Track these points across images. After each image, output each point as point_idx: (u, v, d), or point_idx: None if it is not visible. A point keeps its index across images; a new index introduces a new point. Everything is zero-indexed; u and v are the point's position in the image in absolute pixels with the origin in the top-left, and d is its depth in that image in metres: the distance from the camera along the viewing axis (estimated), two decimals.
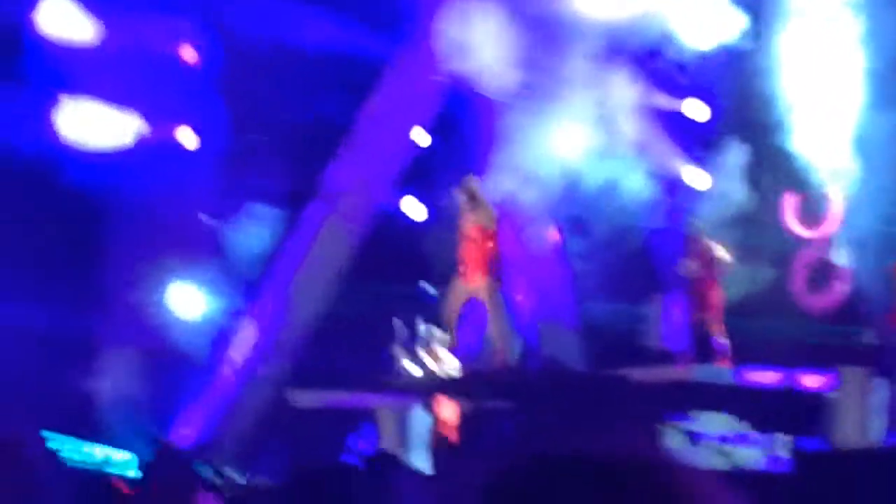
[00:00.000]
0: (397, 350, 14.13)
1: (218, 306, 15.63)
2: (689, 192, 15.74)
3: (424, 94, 15.16)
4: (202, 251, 15.44)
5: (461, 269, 13.51)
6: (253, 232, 15.39)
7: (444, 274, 14.21)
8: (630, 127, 15.41)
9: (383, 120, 15.21)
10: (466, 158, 14.89)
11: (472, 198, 13.65)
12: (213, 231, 15.57)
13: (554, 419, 12.64)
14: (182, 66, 15.59)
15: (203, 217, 15.65)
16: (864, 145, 15.13)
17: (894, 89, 14.42)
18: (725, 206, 15.12)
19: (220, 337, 15.48)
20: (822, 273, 15.16)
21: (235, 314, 15.51)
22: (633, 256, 14.81)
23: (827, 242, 15.23)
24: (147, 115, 15.02)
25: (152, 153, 15.44)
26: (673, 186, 15.71)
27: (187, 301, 15.57)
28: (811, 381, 13.24)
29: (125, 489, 6.52)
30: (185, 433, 14.13)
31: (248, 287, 15.57)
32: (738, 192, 15.35)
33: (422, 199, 15.80)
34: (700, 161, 15.97)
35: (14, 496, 4.17)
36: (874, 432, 12.80)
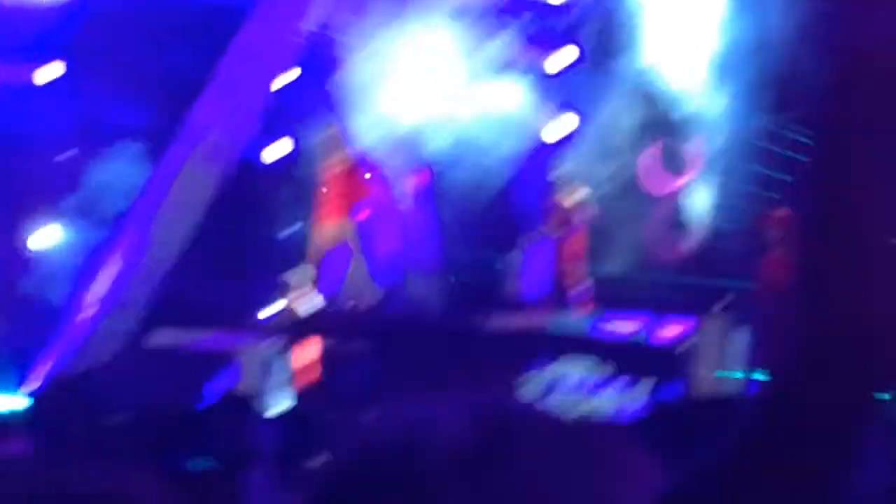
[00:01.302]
0: (259, 291, 14.46)
1: (77, 243, 15.51)
2: (554, 140, 15.89)
3: (285, 41, 15.28)
4: (61, 187, 15.30)
5: (324, 211, 13.62)
6: (114, 169, 15.30)
7: (309, 216, 14.35)
8: (493, 77, 15.49)
9: (245, 64, 15.28)
10: (329, 104, 15.03)
11: (335, 141, 13.81)
12: (73, 167, 15.40)
13: (413, 364, 12.69)
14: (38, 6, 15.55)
15: (63, 154, 15.51)
16: (726, 93, 15.40)
17: (762, 36, 14.73)
18: (589, 154, 15.38)
19: (79, 274, 15.29)
20: (682, 222, 15.35)
21: (94, 251, 15.24)
22: (495, 204, 14.91)
23: (688, 191, 15.44)
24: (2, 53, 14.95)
25: (5, 90, 15.34)
26: (537, 135, 15.90)
27: (45, 238, 15.49)
28: (671, 329, 13.41)
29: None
30: (42, 372, 13.96)
31: (108, 224, 15.40)
32: (601, 140, 15.57)
33: (285, 143, 16.01)
34: (563, 109, 16.13)
35: None
36: (732, 381, 13.04)
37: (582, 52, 16.32)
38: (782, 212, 13.33)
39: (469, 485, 1.44)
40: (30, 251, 15.63)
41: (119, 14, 15.28)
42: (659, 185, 15.42)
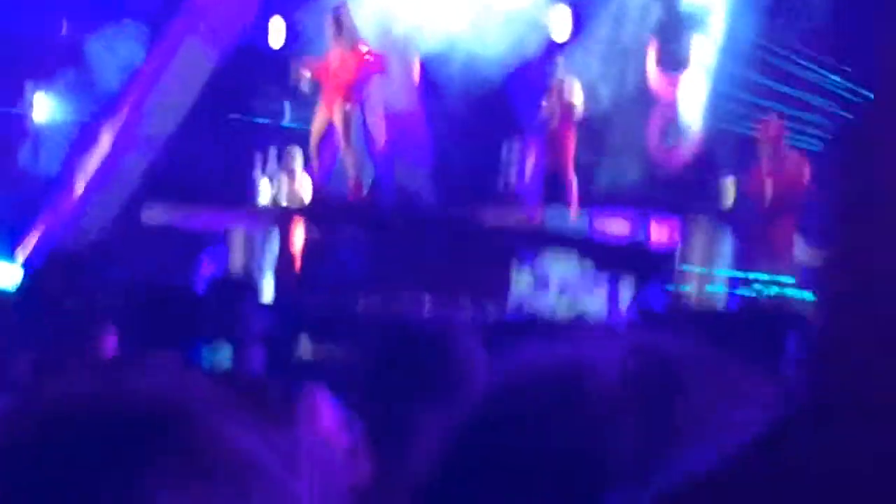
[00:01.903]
0: (254, 173, 14.49)
1: (73, 116, 15.54)
2: (552, 36, 15.68)
3: None
4: (60, 60, 15.35)
5: (322, 95, 13.55)
6: (113, 44, 15.24)
7: (309, 100, 14.28)
8: None
9: None
10: None
11: (339, 24, 13.56)
12: (72, 41, 15.36)
13: (401, 253, 13.02)
14: None
15: (63, 27, 15.49)
16: None
17: None
18: (587, 52, 15.33)
19: (74, 147, 15.36)
20: (677, 124, 15.34)
21: (90, 125, 15.34)
22: (491, 98, 14.83)
23: (685, 92, 15.40)
24: None
25: None
26: (536, 29, 15.67)
27: (42, 108, 15.52)
28: (659, 229, 13.52)
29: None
30: (35, 244, 14.10)
31: (105, 99, 15.37)
32: (598, 38, 15.42)
33: (285, 24, 15.65)
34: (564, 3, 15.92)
35: None
36: (718, 283, 13.23)
37: None
38: (775, 119, 13.42)
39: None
40: (27, 122, 15.72)
41: None
42: (655, 83, 15.43)
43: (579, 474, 0.83)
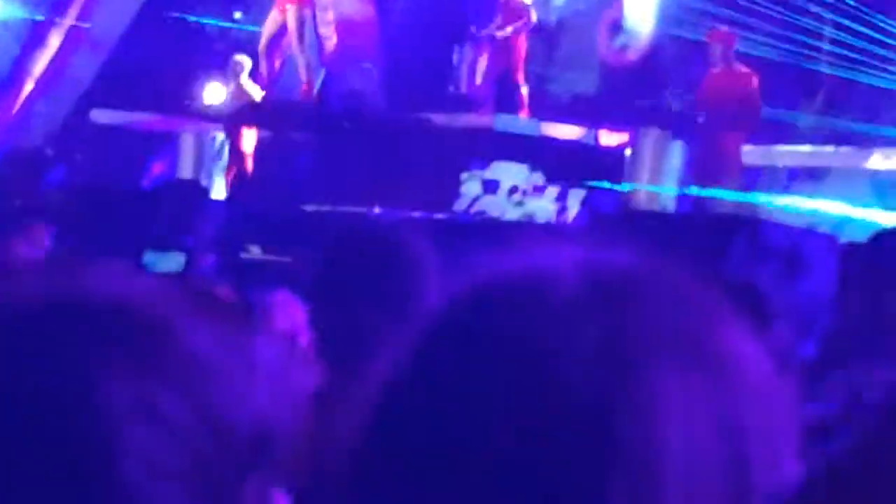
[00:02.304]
0: (204, 77, 14.50)
1: (21, 15, 15.26)
2: None
3: None
4: None
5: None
6: None
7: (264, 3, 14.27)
8: None
9: None
10: None
11: None
12: None
13: (350, 155, 13.13)
14: None
15: None
16: None
17: None
18: None
19: (22, 49, 15.22)
20: (626, 28, 15.42)
21: (38, 27, 15.13)
22: (443, 2, 14.95)
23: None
24: None
25: None
26: None
27: None
28: (609, 137, 13.60)
29: None
30: None
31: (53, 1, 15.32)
32: None
33: None
34: None
35: None
36: (667, 193, 13.34)
37: None
38: (725, 29, 13.50)
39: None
40: None
41: None
42: None
43: (536, 385, 0.81)
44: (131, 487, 0.81)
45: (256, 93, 13.83)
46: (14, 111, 14.61)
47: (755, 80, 12.63)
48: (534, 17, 14.03)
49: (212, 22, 15.79)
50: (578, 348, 0.83)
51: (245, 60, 14.01)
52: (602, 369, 0.83)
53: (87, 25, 14.82)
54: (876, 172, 13.43)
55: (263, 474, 0.88)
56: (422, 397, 0.87)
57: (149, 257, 9.65)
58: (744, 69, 12.90)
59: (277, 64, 14.37)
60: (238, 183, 13.37)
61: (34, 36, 15.11)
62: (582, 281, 0.86)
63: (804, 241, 8.81)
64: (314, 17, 13.83)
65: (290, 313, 3.02)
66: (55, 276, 0.97)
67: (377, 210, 11.98)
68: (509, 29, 13.88)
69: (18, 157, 13.44)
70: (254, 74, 14.11)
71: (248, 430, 0.90)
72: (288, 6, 13.16)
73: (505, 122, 13.76)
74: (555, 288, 0.84)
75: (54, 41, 14.93)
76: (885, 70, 14.46)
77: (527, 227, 12.35)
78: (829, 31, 14.92)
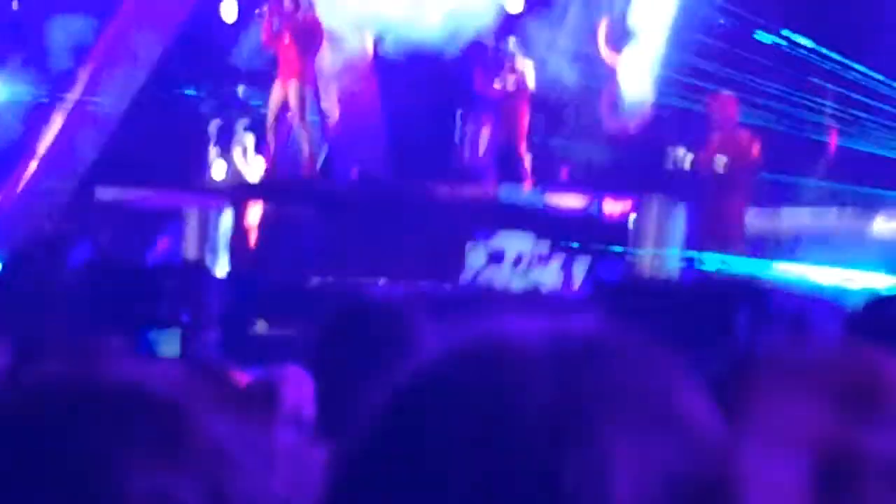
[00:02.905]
0: (210, 151, 14.76)
1: (25, 94, 15.58)
2: (505, 8, 15.94)
3: None
4: (12, 40, 15.49)
5: (278, 72, 13.85)
6: (66, 24, 15.34)
7: (266, 78, 14.65)
8: None
9: None
10: None
11: (296, 2, 13.89)
12: (20, 19, 15.56)
13: (355, 229, 13.27)
14: None
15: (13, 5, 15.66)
16: None
17: None
18: (540, 26, 15.50)
19: (27, 126, 15.46)
20: (628, 98, 15.71)
21: (43, 104, 15.45)
22: (444, 73, 15.12)
23: (636, 67, 15.74)
24: None
25: None
26: (489, 5, 15.84)
27: None
28: (613, 205, 13.59)
29: None
30: None
31: (58, 77, 15.48)
32: (550, 15, 15.64)
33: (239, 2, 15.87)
34: None
35: None
36: (671, 258, 13.35)
37: None
38: (726, 95, 13.72)
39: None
40: None
41: None
42: (606, 58, 15.78)
43: (496, 438, 0.87)
44: None
45: (261, 168, 14.16)
46: (18, 190, 14.79)
47: (757, 145, 12.89)
48: (534, 84, 14.34)
49: (216, 98, 16.03)
50: (539, 406, 0.88)
51: (249, 136, 14.34)
52: (558, 426, 0.87)
53: (90, 102, 15.23)
54: (880, 236, 13.70)
55: None
56: (395, 447, 0.91)
57: (152, 335, 9.89)
58: (745, 133, 13.19)
59: (282, 139, 14.41)
60: (242, 257, 13.55)
61: (37, 115, 15.39)
62: (549, 347, 0.91)
63: (808, 307, 8.87)
64: (316, 92, 14.10)
65: (301, 389, 3.03)
66: (73, 362, 0.97)
67: (382, 282, 12.10)
68: (510, 97, 14.18)
69: (37, 241, 13.52)
70: (259, 149, 14.39)
71: None
72: (290, 82, 13.41)
73: (509, 193, 13.91)
74: (522, 352, 0.90)
75: (57, 120, 15.22)
76: (888, 135, 14.83)
77: (523, 297, 11.92)
78: (831, 95, 15.23)
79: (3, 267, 10.67)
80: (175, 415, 0.92)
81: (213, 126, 15.38)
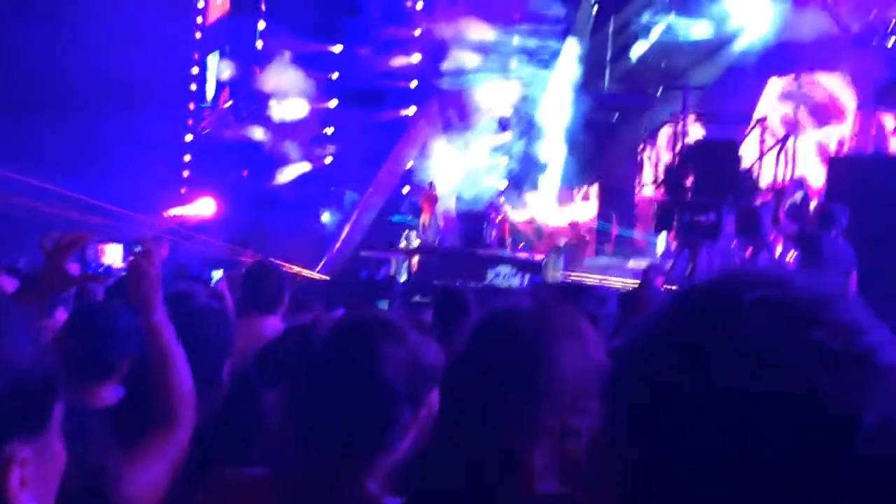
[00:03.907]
0: (402, 239, 26.70)
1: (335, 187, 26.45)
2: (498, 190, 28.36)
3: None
4: (319, 217, 27.32)
5: (422, 210, 26.27)
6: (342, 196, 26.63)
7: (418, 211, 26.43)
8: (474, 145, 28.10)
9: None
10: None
11: (432, 189, 26.52)
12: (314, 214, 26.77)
13: (448, 265, 22.43)
14: None
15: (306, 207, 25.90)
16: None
17: None
18: (509, 191, 28.12)
19: (344, 212, 25.84)
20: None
21: (340, 222, 26.60)
22: (477, 215, 25.87)
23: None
24: None
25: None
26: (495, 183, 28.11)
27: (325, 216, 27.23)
28: (538, 256, 24.04)
29: None
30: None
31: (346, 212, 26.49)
32: (516, 184, 28.11)
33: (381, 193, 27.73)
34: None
35: None
36: (560, 275, 22.53)
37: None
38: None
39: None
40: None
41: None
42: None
43: (500, 343, 1.41)
44: None
45: (417, 244, 25.64)
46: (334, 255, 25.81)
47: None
48: (507, 216, 26.04)
49: (401, 223, 28.03)
50: (534, 330, 1.35)
51: (413, 234, 26.31)
52: (531, 341, 1.32)
53: (375, 197, 24.86)
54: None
55: None
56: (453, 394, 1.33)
57: (379, 303, 17.47)
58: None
59: (426, 234, 26.28)
60: (410, 275, 23.45)
61: (352, 203, 25.08)
62: (534, 308, 1.36)
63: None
64: (435, 214, 26.37)
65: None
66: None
67: (458, 282, 18.80)
68: (501, 221, 25.67)
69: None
70: (419, 236, 26.04)
71: None
72: (424, 214, 25.75)
73: (502, 253, 24.22)
74: (521, 313, 1.31)
75: (359, 208, 24.89)
76: None
77: (506, 291, 19.77)
78: None
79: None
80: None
81: (405, 232, 26.75)
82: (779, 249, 17.53)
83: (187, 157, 28.95)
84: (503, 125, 31.54)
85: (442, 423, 1.76)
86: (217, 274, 8.68)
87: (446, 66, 28.86)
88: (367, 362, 2.05)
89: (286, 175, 28.77)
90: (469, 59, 28.82)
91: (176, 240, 19.94)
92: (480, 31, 28.26)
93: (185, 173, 28.63)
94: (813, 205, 17.05)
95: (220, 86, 28.48)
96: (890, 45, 21.85)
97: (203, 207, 27.50)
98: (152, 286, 2.97)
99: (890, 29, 21.58)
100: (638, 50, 29.86)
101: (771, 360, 0.91)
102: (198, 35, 29.68)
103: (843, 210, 10.77)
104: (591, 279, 22.09)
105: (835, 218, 10.74)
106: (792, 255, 14.64)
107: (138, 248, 3.09)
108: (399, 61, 29.07)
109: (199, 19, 30.29)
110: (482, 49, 29.25)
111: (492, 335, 1.71)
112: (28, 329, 1.11)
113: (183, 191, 28.01)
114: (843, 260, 10.65)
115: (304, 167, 29.35)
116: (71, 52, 20.13)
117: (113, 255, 18.72)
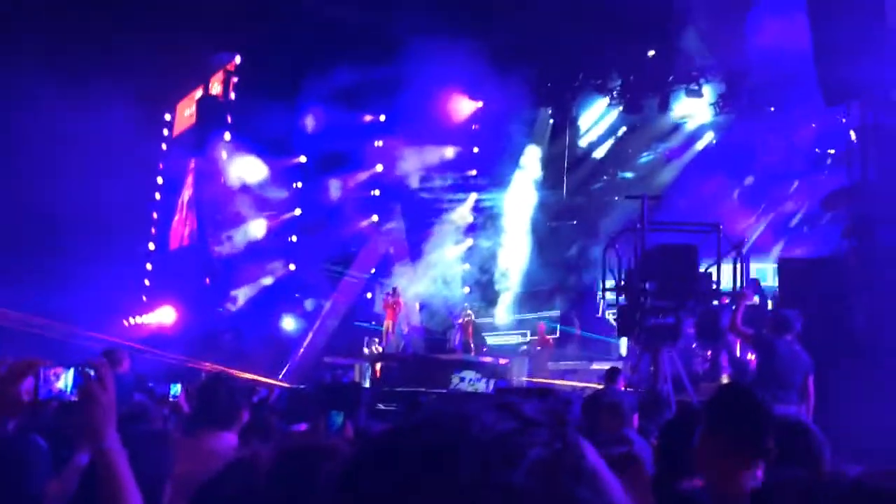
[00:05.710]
0: (365, 346, 28.16)
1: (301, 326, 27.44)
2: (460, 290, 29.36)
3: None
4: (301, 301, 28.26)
5: (385, 317, 27.66)
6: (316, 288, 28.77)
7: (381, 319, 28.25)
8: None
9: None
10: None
11: (395, 294, 27.17)
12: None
13: (411, 372, 23.59)
14: None
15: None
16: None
17: None
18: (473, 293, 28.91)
19: (302, 333, 26.55)
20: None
21: (306, 329, 27.60)
22: (445, 318, 28.37)
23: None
24: None
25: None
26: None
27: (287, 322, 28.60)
28: (504, 362, 24.93)
29: None
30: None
31: (309, 316, 27.26)
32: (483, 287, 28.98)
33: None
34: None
35: None
36: (525, 379, 24.85)
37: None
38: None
39: None
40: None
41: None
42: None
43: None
44: None
45: (380, 350, 26.56)
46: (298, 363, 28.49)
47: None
48: (472, 320, 27.36)
49: (366, 326, 28.56)
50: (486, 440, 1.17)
51: (377, 340, 27.30)
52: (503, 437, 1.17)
53: (321, 325, 26.96)
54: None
55: None
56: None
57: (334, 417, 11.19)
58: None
59: (388, 340, 27.25)
60: (375, 383, 23.53)
61: (305, 331, 26.90)
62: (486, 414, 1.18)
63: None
64: (398, 321, 27.62)
65: None
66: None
67: (423, 390, 19.70)
68: (466, 324, 26.80)
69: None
70: (381, 343, 27.19)
71: None
72: (387, 322, 26.93)
73: (467, 357, 25.12)
74: (471, 417, 1.19)
75: (311, 332, 27.46)
76: None
77: (473, 396, 19.74)
78: None
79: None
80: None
81: (366, 340, 28.04)
82: (738, 350, 17.95)
83: (149, 266, 30.18)
84: (466, 231, 32.38)
85: None
86: (176, 388, 8.61)
87: (408, 177, 30.22)
88: (309, 500, 2.03)
89: (247, 288, 29.56)
90: (431, 174, 30.31)
91: (136, 351, 19.89)
92: (439, 152, 29.72)
93: (146, 282, 29.86)
94: (770, 305, 17.47)
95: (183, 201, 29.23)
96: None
97: (164, 316, 28.30)
98: (105, 414, 2.91)
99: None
100: (596, 156, 31.30)
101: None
102: (163, 146, 31.18)
103: (796, 315, 10.78)
104: (556, 382, 22.60)
105: (789, 323, 10.71)
106: (752, 356, 15.11)
107: (91, 372, 3.01)
108: (361, 175, 30.39)
109: (165, 131, 31.78)
110: (442, 167, 30.97)
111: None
112: None
113: (144, 298, 28.95)
114: (801, 363, 10.75)
115: (266, 280, 30.19)
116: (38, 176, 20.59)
117: (66, 379, 18.31)
